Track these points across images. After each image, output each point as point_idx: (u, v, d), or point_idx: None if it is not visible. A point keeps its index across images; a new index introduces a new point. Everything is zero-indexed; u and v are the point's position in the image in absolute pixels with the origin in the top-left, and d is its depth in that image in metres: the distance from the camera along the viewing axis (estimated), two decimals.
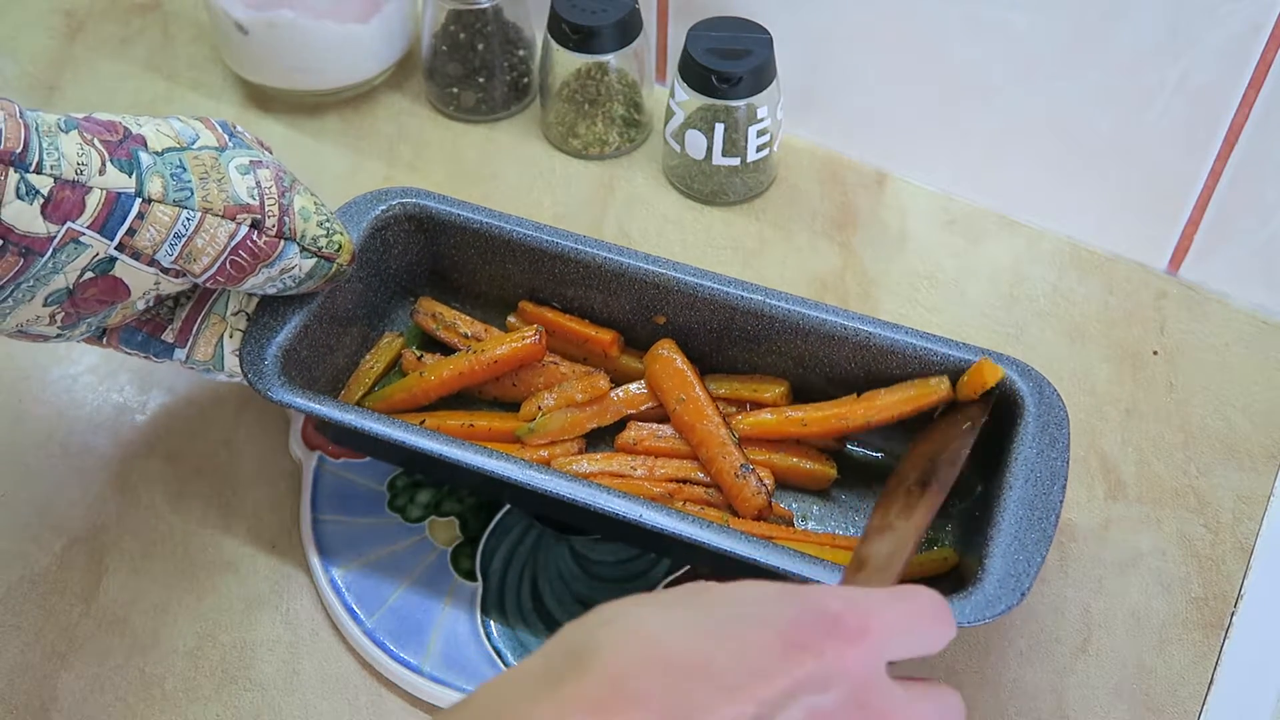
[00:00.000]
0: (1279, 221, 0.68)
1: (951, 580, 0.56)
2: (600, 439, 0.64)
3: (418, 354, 0.66)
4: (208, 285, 0.56)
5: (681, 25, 0.76)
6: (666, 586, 0.60)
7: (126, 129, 0.54)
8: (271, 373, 0.59)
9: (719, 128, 0.73)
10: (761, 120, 0.73)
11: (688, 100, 0.73)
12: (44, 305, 0.53)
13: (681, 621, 0.38)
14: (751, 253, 0.75)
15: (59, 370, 0.69)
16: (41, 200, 0.50)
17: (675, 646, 0.36)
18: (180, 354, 0.60)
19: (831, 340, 0.61)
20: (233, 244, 0.55)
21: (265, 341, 0.60)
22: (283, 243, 0.56)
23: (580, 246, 0.64)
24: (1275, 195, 0.68)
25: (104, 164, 0.51)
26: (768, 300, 0.61)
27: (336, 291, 0.63)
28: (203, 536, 0.63)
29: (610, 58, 0.76)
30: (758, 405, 0.63)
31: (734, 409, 0.63)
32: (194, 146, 0.55)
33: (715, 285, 0.62)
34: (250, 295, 0.61)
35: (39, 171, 0.50)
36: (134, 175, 0.52)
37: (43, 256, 0.51)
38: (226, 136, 0.56)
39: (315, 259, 0.58)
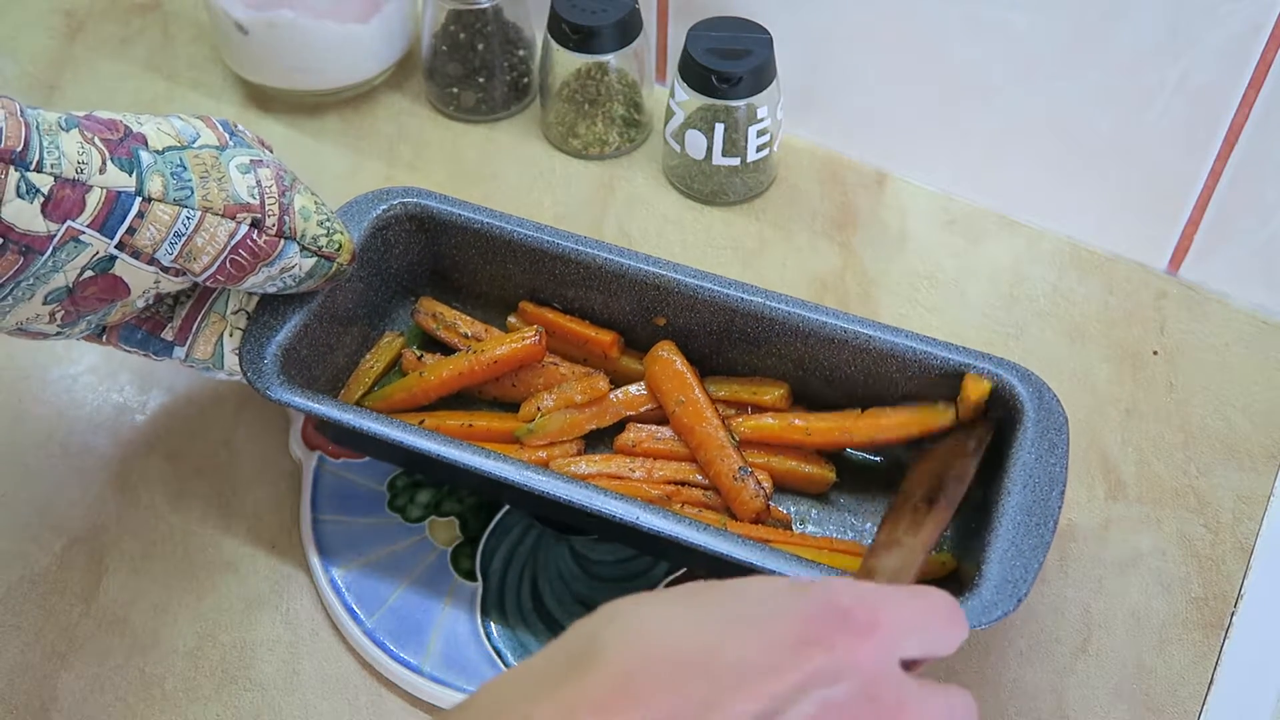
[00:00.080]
0: (1279, 221, 0.68)
1: (949, 585, 0.56)
2: (599, 440, 0.64)
3: (418, 354, 0.66)
4: (208, 284, 0.56)
5: (681, 25, 0.76)
6: (667, 586, 0.60)
7: (127, 127, 0.54)
8: (271, 371, 0.59)
9: (719, 128, 0.73)
10: (761, 120, 0.73)
11: (688, 100, 0.73)
12: (44, 304, 0.53)
13: (687, 619, 0.37)
14: (751, 253, 0.75)
15: (59, 370, 0.69)
16: (42, 199, 0.50)
17: (682, 643, 0.36)
18: (179, 352, 0.60)
19: (831, 343, 0.61)
20: (233, 243, 0.55)
21: (265, 340, 0.60)
22: (283, 242, 0.56)
23: (581, 247, 0.64)
24: (1275, 195, 0.68)
25: (104, 162, 0.51)
26: (768, 302, 0.61)
27: (337, 291, 0.63)
28: (203, 536, 0.63)
29: (610, 58, 0.76)
30: (758, 408, 0.63)
31: (733, 411, 0.63)
32: (195, 145, 0.55)
33: (715, 287, 0.62)
34: (250, 294, 0.61)
35: (39, 170, 0.50)
36: (134, 174, 0.52)
37: (43, 255, 0.51)
38: (227, 135, 0.56)
39: (315, 258, 0.58)
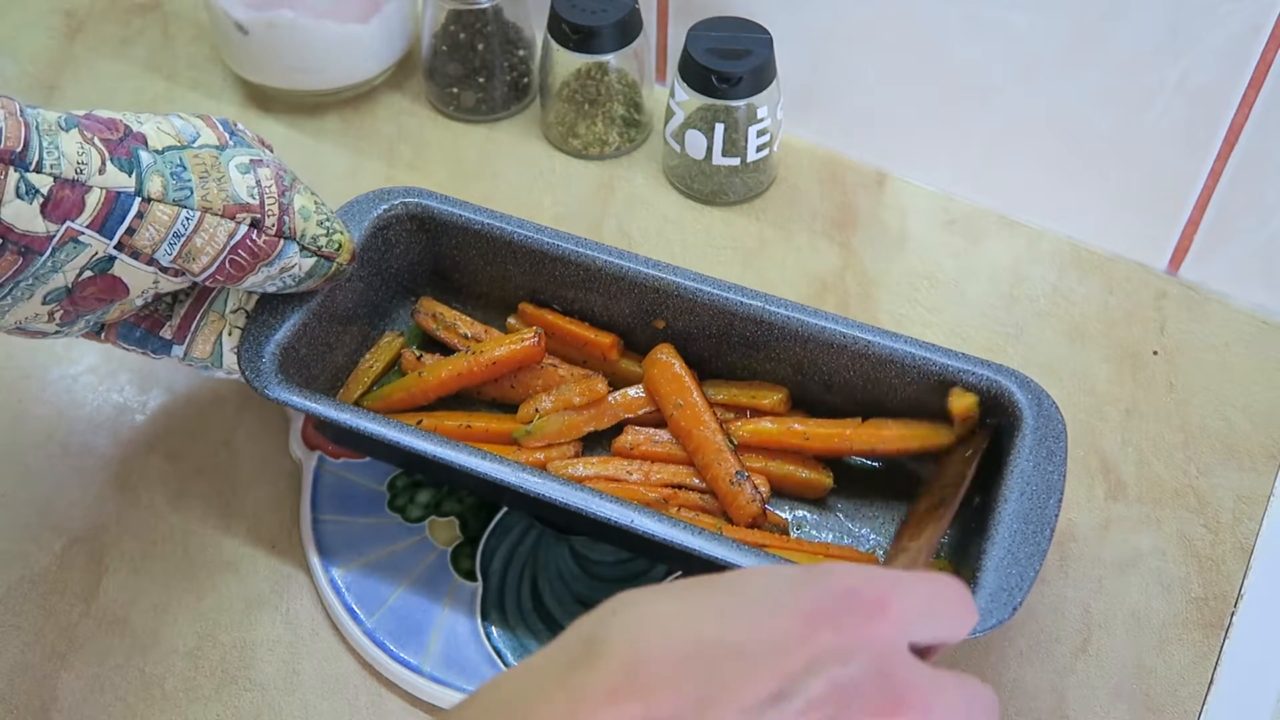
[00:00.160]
0: (1279, 221, 0.68)
1: None
2: (597, 442, 0.64)
3: (417, 354, 0.66)
4: (207, 284, 0.56)
5: (681, 25, 0.76)
6: None
7: (127, 127, 0.53)
8: (269, 371, 0.59)
9: (719, 128, 0.73)
10: (761, 120, 0.73)
11: (688, 100, 0.73)
12: (43, 304, 0.53)
13: (692, 608, 0.37)
14: (751, 253, 0.75)
15: (59, 370, 0.69)
16: (41, 199, 0.50)
17: (688, 632, 0.36)
18: (178, 350, 0.60)
19: (831, 348, 0.61)
20: (232, 243, 0.54)
21: (264, 339, 0.60)
22: (282, 242, 0.56)
23: (581, 249, 0.64)
24: (1275, 195, 0.68)
25: (104, 163, 0.51)
26: (767, 306, 0.61)
27: (336, 290, 0.63)
28: (203, 536, 0.63)
29: (610, 58, 0.76)
30: (756, 412, 0.63)
31: (731, 415, 0.63)
32: (194, 145, 0.55)
33: (715, 290, 0.62)
34: (249, 293, 0.61)
35: (39, 170, 0.50)
36: (134, 174, 0.52)
37: (42, 255, 0.51)
38: (227, 134, 0.56)
39: (315, 258, 0.58)
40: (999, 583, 0.52)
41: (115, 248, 0.52)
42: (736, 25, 0.73)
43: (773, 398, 0.63)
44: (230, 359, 0.60)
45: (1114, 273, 0.74)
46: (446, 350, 0.67)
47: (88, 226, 0.51)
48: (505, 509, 0.63)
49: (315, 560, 0.61)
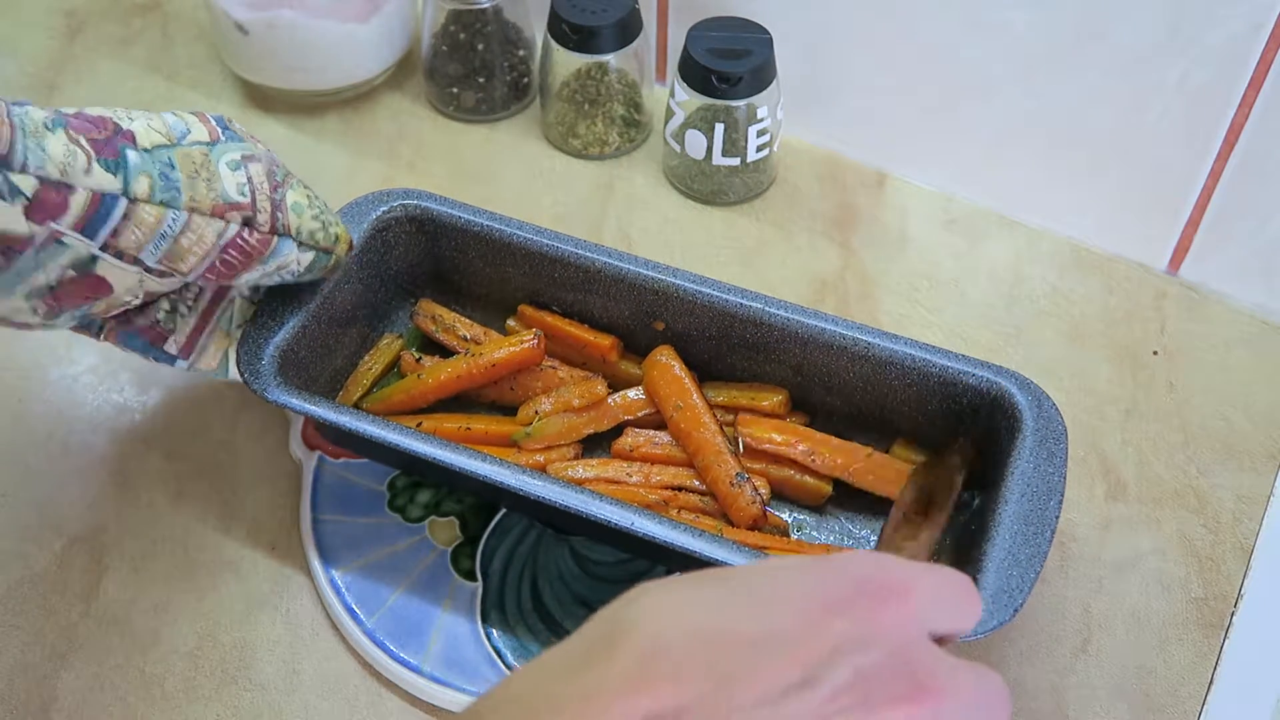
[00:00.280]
0: (1279, 221, 0.68)
1: None
2: (597, 444, 0.64)
3: (416, 356, 0.66)
4: (201, 283, 0.56)
5: (681, 25, 0.76)
6: None
7: (116, 125, 0.53)
8: (269, 373, 0.59)
9: (719, 128, 0.73)
10: (761, 120, 0.73)
11: (688, 100, 0.73)
12: (25, 300, 0.53)
13: (713, 597, 0.36)
14: (751, 253, 0.75)
15: (59, 370, 0.69)
16: (25, 201, 0.49)
17: (710, 619, 0.35)
18: (183, 363, 0.60)
19: (830, 349, 0.61)
20: (222, 243, 0.54)
21: (263, 341, 0.60)
22: (276, 239, 0.56)
23: (580, 251, 0.64)
24: (1275, 195, 0.68)
25: (90, 164, 0.51)
26: (767, 308, 0.61)
27: (336, 292, 0.63)
28: (203, 536, 0.63)
29: (610, 58, 0.76)
30: (758, 414, 0.63)
31: (731, 417, 0.63)
32: (184, 142, 0.54)
33: (714, 292, 0.62)
34: (254, 306, 0.61)
35: (23, 171, 0.49)
36: (120, 175, 0.52)
37: (24, 255, 0.51)
38: (219, 130, 0.56)
39: (314, 252, 0.57)
40: (1000, 584, 0.52)
41: (99, 249, 0.52)
42: (736, 25, 0.73)
43: (773, 399, 0.63)
44: (235, 371, 0.60)
45: (1114, 273, 0.74)
46: (446, 352, 0.67)
47: (71, 228, 0.51)
48: (505, 509, 0.63)
49: (315, 560, 0.61)
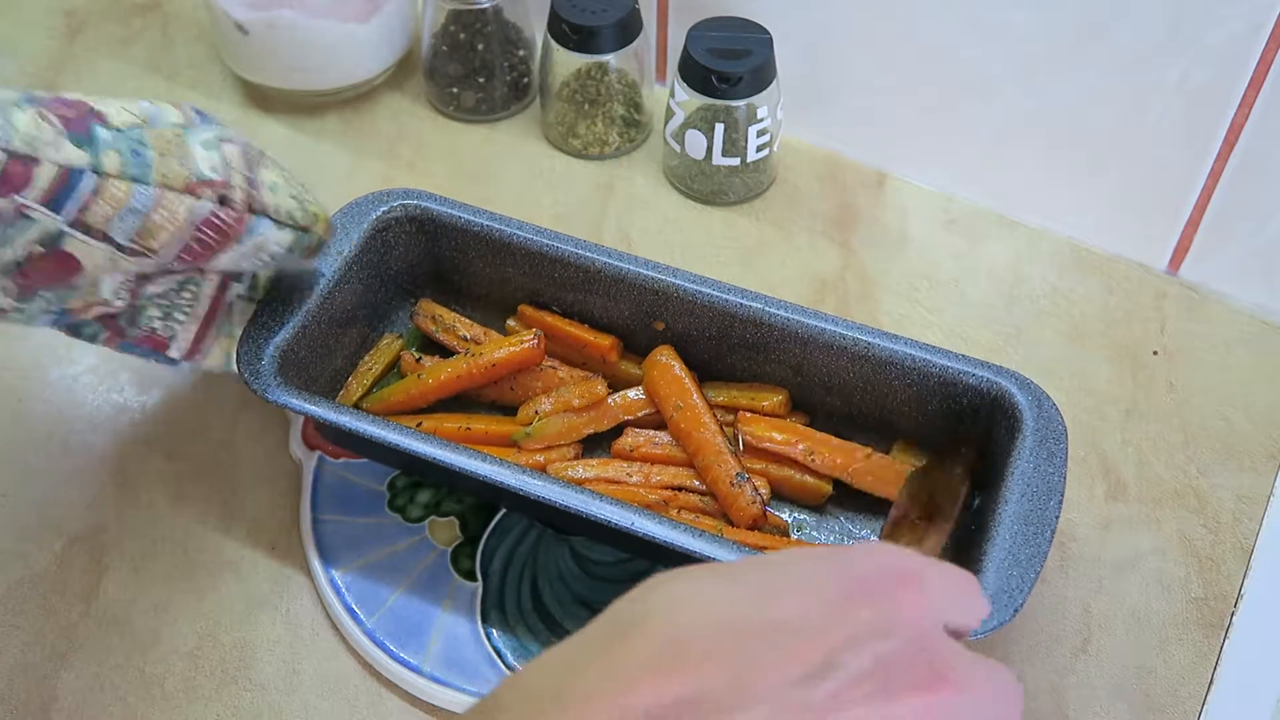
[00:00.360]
0: (1279, 221, 0.68)
1: None
2: (597, 444, 0.64)
3: (416, 356, 0.66)
4: (177, 266, 0.55)
5: (681, 25, 0.76)
6: None
7: (89, 106, 0.52)
8: (269, 373, 0.59)
9: (719, 128, 0.73)
10: (761, 120, 0.73)
11: (688, 100, 0.73)
12: None
13: (731, 585, 0.36)
14: (751, 253, 0.75)
15: (59, 370, 0.69)
16: None
17: (728, 607, 0.35)
18: (186, 366, 0.60)
19: (830, 350, 0.61)
20: (195, 220, 0.53)
21: (263, 342, 0.60)
22: (252, 217, 0.55)
23: (580, 251, 0.64)
24: (1275, 195, 0.68)
25: (59, 138, 0.50)
26: (767, 308, 0.61)
27: (336, 292, 0.63)
28: (203, 536, 0.63)
29: (610, 58, 0.76)
30: (758, 414, 0.63)
31: (731, 418, 0.63)
32: (158, 123, 0.53)
33: (714, 292, 0.62)
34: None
35: None
36: (89, 150, 0.51)
37: None
38: (196, 116, 0.55)
39: (292, 231, 0.56)
40: (1000, 584, 0.52)
41: (67, 224, 0.51)
42: (736, 25, 0.73)
43: (773, 399, 0.63)
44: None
45: (1114, 273, 0.74)
46: (446, 352, 0.67)
47: (38, 201, 0.50)
48: (505, 509, 0.63)
49: (315, 560, 0.61)
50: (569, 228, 0.71)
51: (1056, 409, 0.57)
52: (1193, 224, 0.71)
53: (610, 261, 0.63)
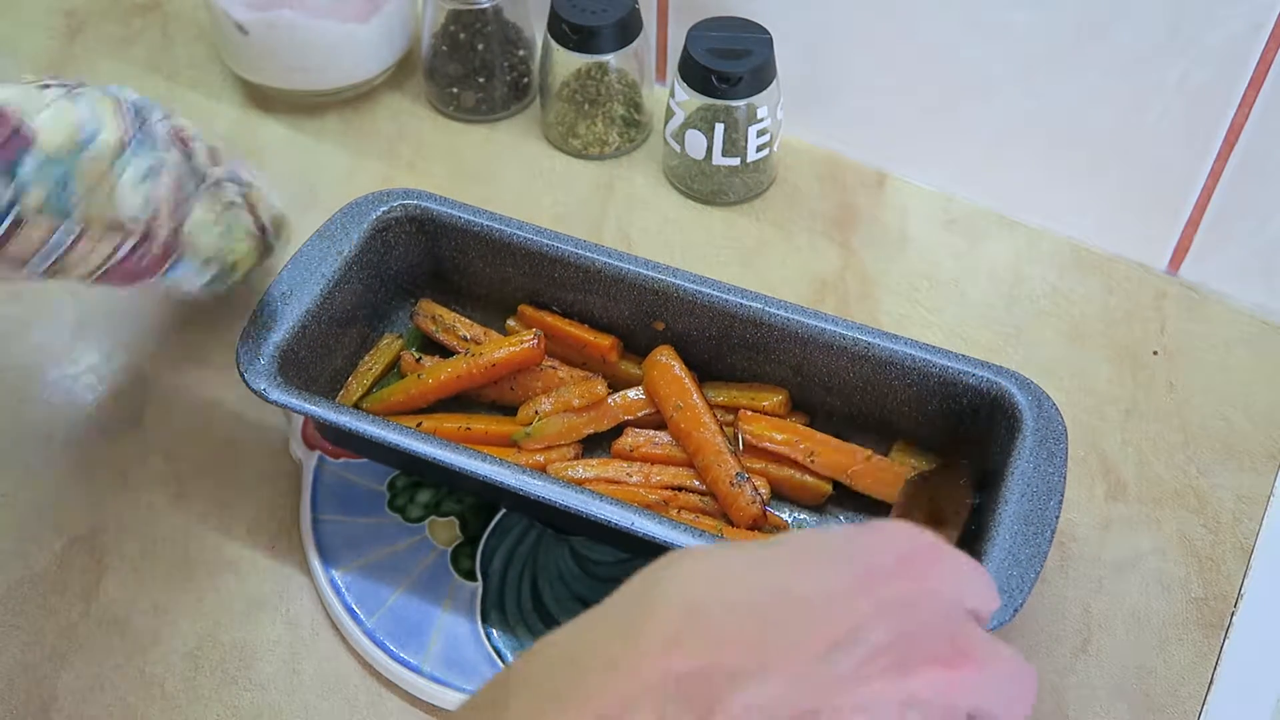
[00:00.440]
0: (1279, 221, 0.68)
1: None
2: (597, 444, 0.64)
3: (416, 356, 0.66)
4: (94, 285, 0.55)
5: (681, 25, 0.76)
6: None
7: (17, 125, 0.50)
8: (269, 373, 0.59)
9: (719, 128, 0.73)
10: (761, 120, 0.73)
11: (688, 100, 0.73)
12: None
13: (752, 560, 0.36)
14: (751, 253, 0.75)
15: (59, 370, 0.69)
16: None
17: (749, 580, 0.35)
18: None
19: (830, 350, 0.61)
20: (115, 259, 0.53)
21: (263, 342, 0.60)
22: (172, 259, 0.55)
23: (580, 251, 0.64)
24: (1275, 195, 0.68)
25: None
26: (767, 308, 0.61)
27: (336, 292, 0.63)
28: (203, 536, 0.63)
29: (610, 58, 0.76)
30: (758, 414, 0.63)
31: (731, 418, 0.63)
32: (91, 145, 0.52)
33: (714, 292, 0.62)
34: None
35: None
36: (12, 186, 0.50)
37: None
38: (134, 129, 0.54)
39: (211, 274, 0.57)
40: (1000, 584, 0.52)
41: None
42: (736, 25, 0.73)
43: (773, 399, 0.63)
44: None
45: (1114, 273, 0.74)
46: (446, 352, 0.67)
47: None
48: (505, 509, 0.63)
49: (315, 560, 0.61)
50: (569, 228, 0.71)
51: (1056, 409, 0.57)
52: (1193, 224, 0.71)
53: (610, 261, 0.63)
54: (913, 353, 0.60)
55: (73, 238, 0.51)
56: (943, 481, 0.59)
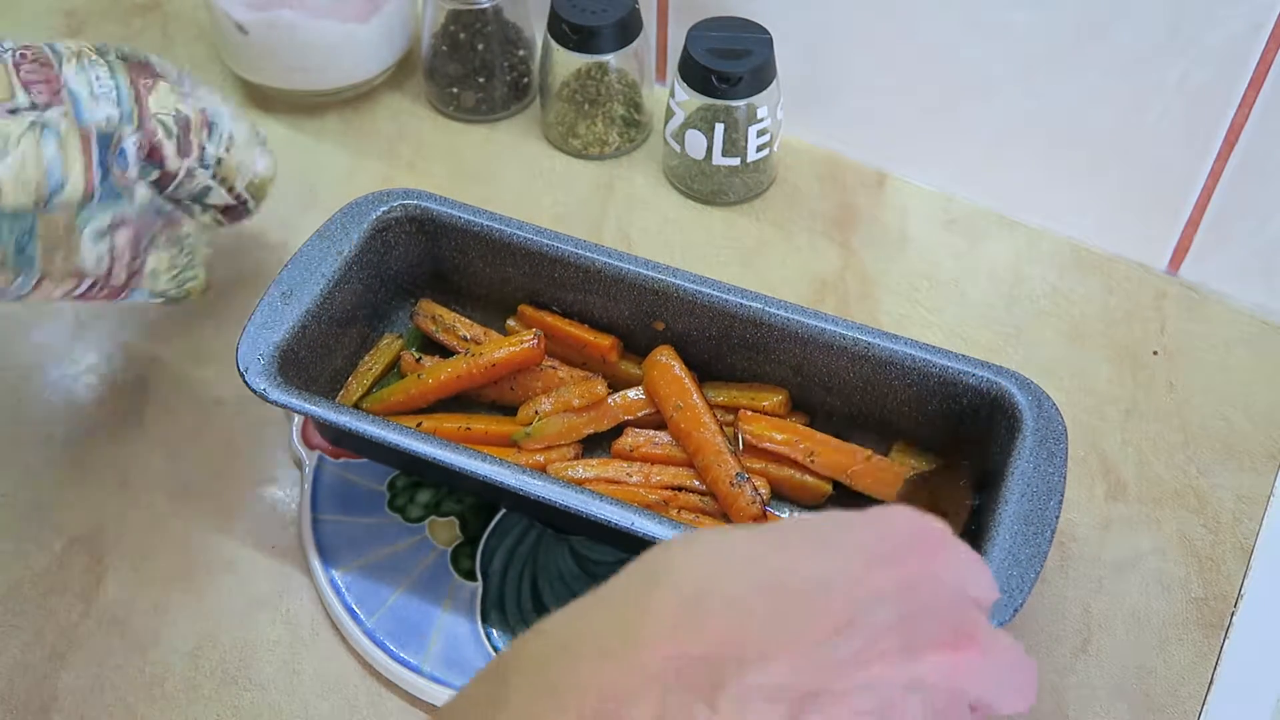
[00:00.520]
0: (1279, 221, 0.68)
1: None
2: (597, 444, 0.64)
3: (416, 356, 0.66)
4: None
5: (681, 25, 0.76)
6: None
7: None
8: (269, 373, 0.59)
9: (719, 128, 0.73)
10: (761, 120, 0.73)
11: (688, 100, 0.73)
12: None
13: (757, 543, 0.36)
14: (751, 253, 0.75)
15: (59, 370, 0.69)
16: None
17: (753, 564, 0.35)
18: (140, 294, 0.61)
19: (830, 350, 0.61)
20: (72, 294, 0.56)
21: (263, 342, 0.60)
22: (127, 293, 0.58)
23: (580, 251, 0.64)
24: (1275, 195, 0.68)
25: None
26: (767, 308, 0.61)
27: (336, 292, 0.63)
28: (203, 536, 0.63)
29: (610, 58, 0.76)
30: (758, 414, 0.63)
31: (731, 418, 0.63)
32: (55, 199, 0.53)
33: (714, 292, 0.62)
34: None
35: None
36: None
37: None
38: (98, 178, 0.55)
39: (166, 299, 0.61)
40: (1000, 584, 0.52)
41: None
42: (736, 25, 0.73)
43: (773, 399, 0.63)
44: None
45: (1114, 273, 0.74)
46: (446, 352, 0.67)
47: None
48: (505, 509, 0.63)
49: (315, 560, 0.61)
50: (569, 228, 0.71)
51: (1056, 409, 0.57)
52: (1193, 224, 0.71)
53: (610, 261, 0.63)
54: (913, 353, 0.60)
55: (33, 283, 0.54)
56: (943, 481, 0.59)
